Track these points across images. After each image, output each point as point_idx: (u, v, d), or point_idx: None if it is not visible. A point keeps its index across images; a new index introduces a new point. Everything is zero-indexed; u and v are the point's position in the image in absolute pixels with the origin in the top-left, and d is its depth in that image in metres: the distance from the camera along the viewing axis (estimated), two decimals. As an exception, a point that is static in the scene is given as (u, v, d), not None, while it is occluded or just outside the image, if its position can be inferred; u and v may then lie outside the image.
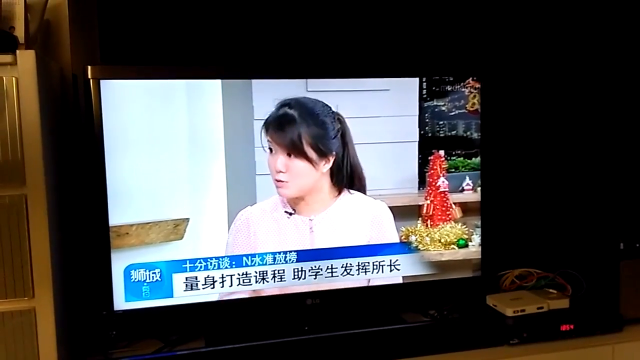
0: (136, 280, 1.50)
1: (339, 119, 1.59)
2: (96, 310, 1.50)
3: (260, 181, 1.57)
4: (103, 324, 1.50)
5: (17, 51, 1.25)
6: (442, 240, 1.71)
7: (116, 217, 1.47)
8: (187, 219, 1.53)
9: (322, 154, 1.57)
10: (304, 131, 1.55)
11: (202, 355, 1.51)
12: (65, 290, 1.42)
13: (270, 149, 1.55)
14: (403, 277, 1.70)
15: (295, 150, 1.54)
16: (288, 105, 1.55)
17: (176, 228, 1.53)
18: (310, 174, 1.57)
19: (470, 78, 1.71)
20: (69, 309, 1.45)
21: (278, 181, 1.56)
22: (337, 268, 1.64)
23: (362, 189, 1.64)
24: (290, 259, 1.60)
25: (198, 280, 1.54)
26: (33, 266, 1.27)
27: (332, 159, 1.59)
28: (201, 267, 1.54)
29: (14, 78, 1.24)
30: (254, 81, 1.54)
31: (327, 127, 1.58)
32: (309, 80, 1.59)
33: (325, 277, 1.64)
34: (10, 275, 1.25)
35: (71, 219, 1.52)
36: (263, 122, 1.55)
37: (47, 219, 1.27)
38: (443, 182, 1.71)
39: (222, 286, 1.56)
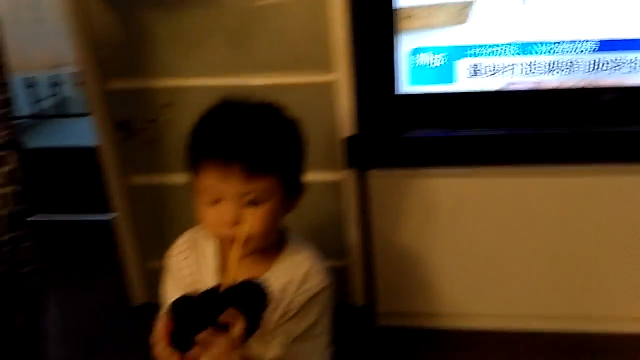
0: (421, 64, 1.50)
1: None
2: (381, 93, 1.55)
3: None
4: (387, 106, 1.55)
5: None
6: None
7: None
8: (472, 2, 1.44)
9: None
10: None
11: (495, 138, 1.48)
12: (357, 70, 1.48)
13: None
14: None
15: None
16: None
17: (462, 11, 1.45)
18: None
19: None
20: (359, 90, 1.52)
21: None
22: (642, 61, 1.42)
23: None
24: (586, 49, 1.43)
25: (482, 66, 1.48)
26: (332, 43, 1.33)
27: None
28: (486, 53, 1.47)
29: None
30: None
31: None
32: None
33: (624, 72, 1.44)
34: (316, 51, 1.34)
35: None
36: None
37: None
38: None
39: (504, 75, 1.48)
